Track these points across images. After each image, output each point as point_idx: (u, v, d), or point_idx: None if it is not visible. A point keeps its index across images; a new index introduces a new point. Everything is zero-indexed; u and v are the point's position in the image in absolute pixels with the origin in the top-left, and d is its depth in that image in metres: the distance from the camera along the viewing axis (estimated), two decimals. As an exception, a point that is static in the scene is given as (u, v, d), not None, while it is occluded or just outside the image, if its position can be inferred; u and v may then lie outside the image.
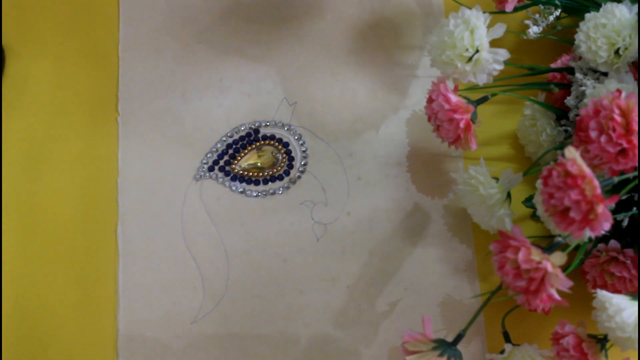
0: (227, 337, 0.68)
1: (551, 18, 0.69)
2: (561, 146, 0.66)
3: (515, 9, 0.69)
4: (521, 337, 0.66)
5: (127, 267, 0.70)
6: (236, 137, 0.74)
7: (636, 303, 0.56)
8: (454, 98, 0.63)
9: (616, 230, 0.60)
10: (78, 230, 0.70)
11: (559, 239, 0.55)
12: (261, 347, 0.67)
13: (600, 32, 0.62)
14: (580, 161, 0.50)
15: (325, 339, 0.68)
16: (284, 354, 0.67)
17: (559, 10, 0.69)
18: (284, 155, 0.74)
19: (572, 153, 0.50)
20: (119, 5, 0.79)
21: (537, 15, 0.70)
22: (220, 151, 0.74)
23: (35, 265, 0.70)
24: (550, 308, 0.59)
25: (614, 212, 0.54)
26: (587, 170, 0.50)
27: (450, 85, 0.64)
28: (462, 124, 0.63)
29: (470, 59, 0.63)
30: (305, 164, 0.73)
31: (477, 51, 0.63)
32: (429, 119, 0.66)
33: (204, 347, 0.67)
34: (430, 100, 0.65)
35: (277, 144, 0.74)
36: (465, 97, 0.64)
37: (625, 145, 0.52)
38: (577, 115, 0.63)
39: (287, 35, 0.78)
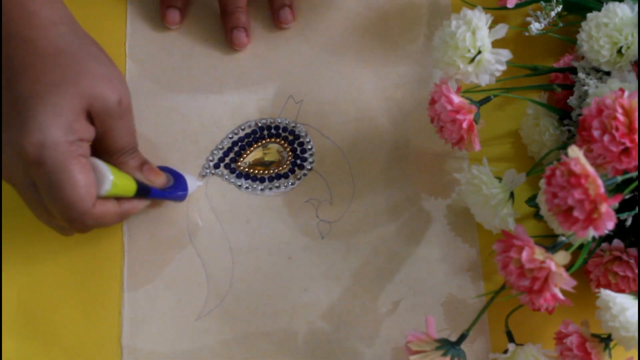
0: (231, 333, 0.68)
1: (552, 14, 0.69)
2: (564, 146, 0.66)
3: (517, 5, 0.69)
4: (525, 336, 0.65)
5: (132, 263, 0.70)
6: (242, 134, 0.74)
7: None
8: (456, 99, 0.63)
9: (620, 230, 0.59)
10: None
11: (563, 238, 0.55)
12: (265, 344, 0.68)
13: (602, 32, 0.62)
14: (583, 160, 0.50)
15: (328, 337, 0.68)
16: (287, 351, 0.67)
17: (560, 6, 0.69)
18: (290, 152, 0.74)
19: (575, 152, 0.51)
20: (126, 3, 0.79)
21: (538, 12, 0.70)
22: (226, 148, 0.74)
23: (39, 262, 0.70)
24: (554, 307, 0.59)
25: (618, 211, 0.54)
26: (591, 169, 0.50)
27: (453, 86, 0.64)
28: (465, 125, 0.63)
29: (472, 59, 0.63)
30: (311, 162, 0.73)
31: (479, 52, 0.63)
32: (432, 120, 0.66)
33: (208, 344, 0.68)
34: (432, 102, 0.65)
35: (282, 141, 0.74)
36: (468, 98, 0.65)
37: (628, 144, 0.52)
38: (579, 115, 0.63)
39: (293, 33, 0.78)
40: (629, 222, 0.59)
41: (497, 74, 0.64)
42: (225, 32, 0.77)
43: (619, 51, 0.63)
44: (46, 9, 0.63)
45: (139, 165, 0.65)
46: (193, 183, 0.70)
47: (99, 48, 0.65)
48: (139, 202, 0.65)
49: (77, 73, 0.60)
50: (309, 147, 0.74)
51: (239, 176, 0.73)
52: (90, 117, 0.61)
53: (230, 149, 0.74)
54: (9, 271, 0.70)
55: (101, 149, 0.63)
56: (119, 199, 0.62)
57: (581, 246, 0.58)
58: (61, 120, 0.58)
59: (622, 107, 0.53)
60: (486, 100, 0.66)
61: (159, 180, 0.66)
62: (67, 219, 0.59)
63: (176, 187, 0.68)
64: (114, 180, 0.60)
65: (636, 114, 0.52)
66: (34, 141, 0.57)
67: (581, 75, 0.65)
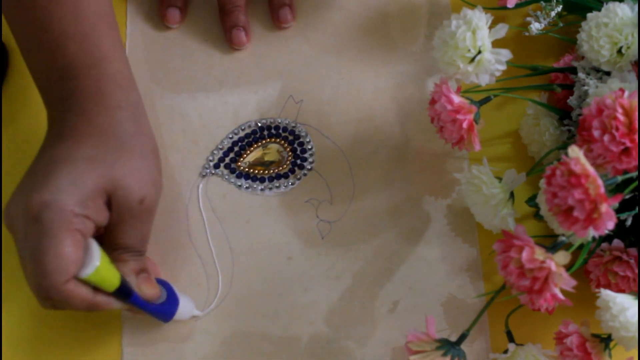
0: (231, 334, 0.68)
1: (552, 14, 0.69)
2: (564, 146, 0.66)
3: (517, 5, 0.69)
4: (525, 336, 0.65)
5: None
6: (242, 134, 0.74)
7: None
8: (456, 99, 0.63)
9: (620, 230, 0.59)
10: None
11: (563, 238, 0.55)
12: (265, 344, 0.68)
13: (602, 32, 0.63)
14: (583, 160, 0.50)
15: (328, 337, 0.68)
16: (287, 351, 0.67)
17: (560, 6, 0.69)
18: (290, 152, 0.74)
19: (575, 152, 0.51)
20: (126, 3, 0.80)
21: (538, 12, 0.70)
22: (226, 148, 0.74)
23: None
24: (554, 307, 0.59)
25: (618, 211, 0.54)
26: (591, 169, 0.50)
27: (453, 86, 0.64)
28: (465, 125, 0.63)
29: (472, 59, 0.63)
30: (311, 162, 0.73)
31: (480, 52, 0.63)
32: (432, 120, 0.66)
33: (208, 344, 0.68)
34: (433, 102, 0.65)
35: (282, 141, 0.74)
36: (468, 98, 0.65)
37: (628, 144, 0.52)
38: (579, 115, 0.63)
39: (293, 33, 0.79)
40: (629, 222, 0.59)
41: (497, 73, 0.65)
42: (224, 31, 0.78)
43: (619, 51, 0.63)
44: (119, 93, 0.63)
45: (137, 269, 0.62)
46: (189, 309, 0.67)
47: (150, 143, 0.64)
48: (115, 302, 0.61)
49: (116, 158, 0.60)
50: (309, 147, 0.74)
51: (239, 176, 0.73)
52: (110, 205, 0.60)
53: (230, 149, 0.74)
54: (9, 272, 0.70)
55: (108, 238, 0.61)
56: (96, 288, 0.59)
57: (581, 246, 0.58)
58: (77, 191, 0.57)
59: (622, 107, 0.53)
60: (486, 100, 0.66)
61: (150, 293, 0.62)
62: (35, 284, 0.57)
63: (164, 305, 0.64)
64: (99, 267, 0.57)
65: (636, 114, 0.52)
66: (42, 198, 0.56)
67: (581, 75, 0.65)
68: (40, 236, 0.56)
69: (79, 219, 0.57)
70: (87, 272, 0.57)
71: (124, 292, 0.60)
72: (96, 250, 0.58)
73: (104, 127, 0.61)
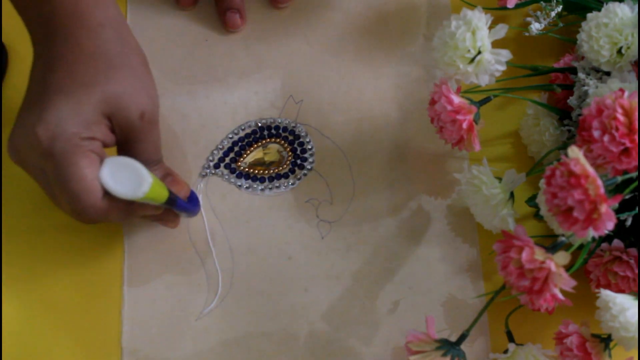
0: (231, 334, 0.68)
1: (552, 14, 0.69)
2: (564, 146, 0.66)
3: (517, 5, 0.69)
4: (525, 336, 0.65)
5: (132, 263, 0.70)
6: (242, 134, 0.74)
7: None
8: (456, 99, 0.63)
9: (620, 230, 0.59)
10: (83, 227, 0.70)
11: (563, 238, 0.55)
12: (265, 344, 0.68)
13: (602, 32, 0.62)
14: (583, 161, 0.50)
15: (328, 337, 0.68)
16: (287, 351, 0.67)
17: (560, 6, 0.69)
18: (290, 153, 0.74)
19: (575, 152, 0.50)
20: (127, 3, 0.79)
21: (538, 13, 0.70)
22: (226, 148, 0.74)
23: (39, 263, 0.70)
24: (554, 308, 0.59)
25: (618, 211, 0.54)
26: (591, 169, 0.50)
27: (453, 86, 0.64)
28: (464, 125, 0.63)
29: (472, 60, 0.63)
30: (311, 162, 0.73)
31: (479, 52, 0.63)
32: (432, 121, 0.66)
33: (208, 344, 0.68)
34: (432, 102, 0.65)
35: (282, 141, 0.74)
36: (467, 98, 0.65)
37: (628, 144, 0.52)
38: (579, 115, 0.63)
39: (294, 33, 0.79)
40: (629, 222, 0.59)
41: (497, 74, 0.64)
42: (218, 14, 0.78)
43: (619, 51, 0.63)
44: (97, 11, 0.62)
45: (162, 176, 0.65)
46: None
47: (139, 56, 0.65)
48: (151, 204, 0.63)
49: (108, 78, 0.60)
50: (309, 147, 0.74)
51: (239, 176, 0.73)
52: (113, 127, 0.61)
53: (230, 149, 0.74)
54: (9, 272, 0.70)
55: None
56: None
57: (581, 246, 0.58)
58: (80, 119, 0.58)
59: (622, 107, 0.52)
60: (486, 100, 0.66)
61: (183, 192, 0.67)
62: (73, 210, 0.59)
63: (192, 200, 0.69)
64: (152, 184, 0.59)
65: (636, 114, 0.52)
66: (48, 132, 0.57)
67: (581, 75, 0.65)
68: (59, 168, 0.57)
69: (87, 142, 0.58)
70: (145, 191, 0.58)
71: (170, 200, 0.63)
72: (144, 169, 0.59)
73: (91, 51, 0.61)
